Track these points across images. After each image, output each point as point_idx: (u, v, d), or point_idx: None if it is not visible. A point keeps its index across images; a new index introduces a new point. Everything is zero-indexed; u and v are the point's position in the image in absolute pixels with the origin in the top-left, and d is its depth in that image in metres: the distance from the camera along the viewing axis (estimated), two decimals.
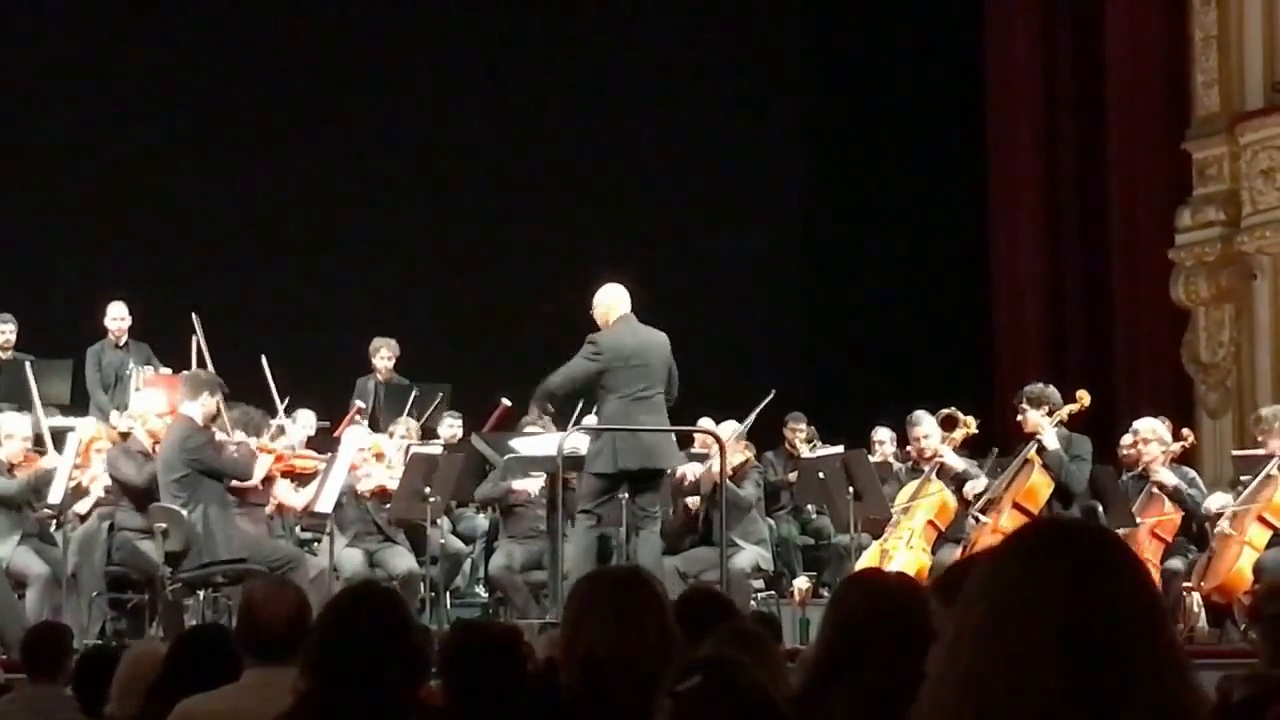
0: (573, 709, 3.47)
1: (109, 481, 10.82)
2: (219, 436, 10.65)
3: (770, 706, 2.87)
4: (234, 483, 10.71)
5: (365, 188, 17.20)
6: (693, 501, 12.10)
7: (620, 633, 3.31)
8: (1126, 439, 12.21)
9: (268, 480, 11.05)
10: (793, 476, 13.53)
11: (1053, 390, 11.39)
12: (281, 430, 12.01)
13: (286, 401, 12.83)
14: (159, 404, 10.81)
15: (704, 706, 2.85)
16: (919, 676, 2.91)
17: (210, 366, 12.17)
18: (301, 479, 11.38)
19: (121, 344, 14.15)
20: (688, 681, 2.88)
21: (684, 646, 3.39)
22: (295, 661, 3.95)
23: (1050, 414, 11.17)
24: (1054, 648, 1.95)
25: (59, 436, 11.60)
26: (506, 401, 13.16)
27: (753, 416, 12.46)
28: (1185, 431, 12.21)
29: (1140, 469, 11.60)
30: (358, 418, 13.57)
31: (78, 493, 11.02)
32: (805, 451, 14.01)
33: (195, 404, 10.38)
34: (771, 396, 12.48)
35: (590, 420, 11.09)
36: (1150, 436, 11.66)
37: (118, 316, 14.13)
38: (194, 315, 12.82)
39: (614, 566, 8.74)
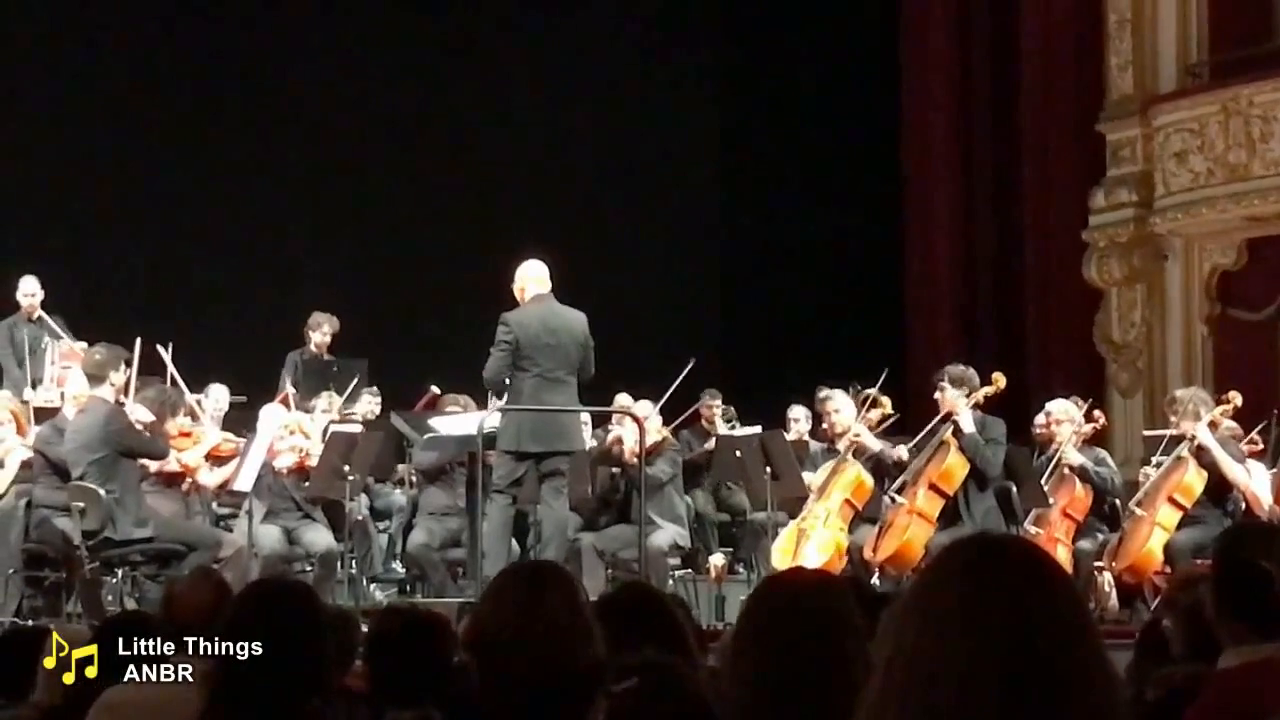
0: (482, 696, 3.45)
1: (26, 455, 10.77)
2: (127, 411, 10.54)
3: (704, 709, 2.91)
4: (153, 464, 10.67)
5: (279, 157, 17.01)
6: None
7: (520, 617, 3.27)
8: (1040, 419, 12.33)
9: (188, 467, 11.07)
10: (710, 444, 13.55)
11: (973, 373, 11.47)
12: (194, 414, 11.88)
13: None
14: None
15: (639, 707, 2.88)
16: (838, 675, 2.95)
17: (186, 392, 12.08)
18: (221, 460, 11.35)
19: (34, 318, 14.01)
20: (624, 683, 2.91)
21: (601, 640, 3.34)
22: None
23: (969, 395, 11.27)
24: (995, 665, 1.98)
25: None
26: (435, 389, 13.08)
27: (674, 387, 12.47)
28: (1096, 414, 12.35)
29: (1051, 449, 11.74)
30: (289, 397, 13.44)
31: None
32: (722, 428, 14.02)
33: (105, 386, 10.31)
34: (691, 365, 12.49)
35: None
36: (1063, 417, 11.83)
37: (29, 292, 13.96)
38: (159, 347, 12.55)
39: (528, 561, 8.73)
